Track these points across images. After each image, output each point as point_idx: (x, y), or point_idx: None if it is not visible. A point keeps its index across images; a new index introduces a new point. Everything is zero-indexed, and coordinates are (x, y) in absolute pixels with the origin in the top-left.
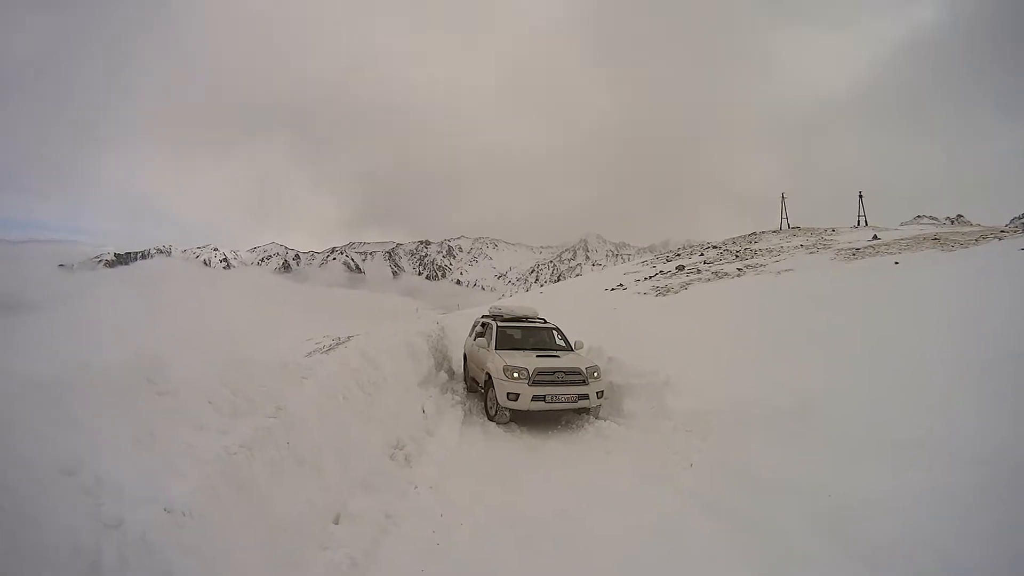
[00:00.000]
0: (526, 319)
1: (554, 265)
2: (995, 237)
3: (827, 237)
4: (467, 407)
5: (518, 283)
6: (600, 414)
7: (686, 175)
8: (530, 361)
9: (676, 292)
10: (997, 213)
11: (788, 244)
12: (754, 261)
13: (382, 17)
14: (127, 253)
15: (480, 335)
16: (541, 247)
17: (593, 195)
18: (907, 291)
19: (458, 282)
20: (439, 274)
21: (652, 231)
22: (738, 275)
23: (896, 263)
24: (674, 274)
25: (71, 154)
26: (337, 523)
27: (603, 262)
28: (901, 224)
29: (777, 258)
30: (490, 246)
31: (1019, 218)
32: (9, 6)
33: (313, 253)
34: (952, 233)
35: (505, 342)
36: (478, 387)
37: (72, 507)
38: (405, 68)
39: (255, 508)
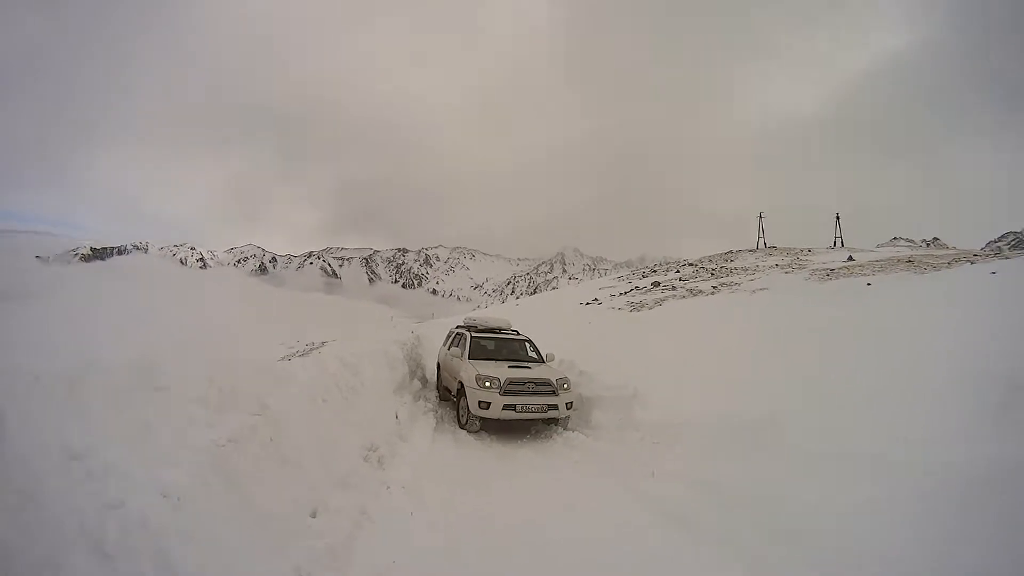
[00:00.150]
0: (499, 330)
1: (531, 277)
2: (967, 261)
3: (803, 257)
4: (439, 415)
5: (494, 294)
6: (569, 425)
7: (667, 193)
8: (502, 371)
9: (650, 308)
10: (973, 236)
11: (764, 263)
12: (729, 279)
13: (378, 20)
14: (103, 248)
15: (454, 345)
16: (519, 259)
17: (571, 209)
18: (877, 311)
19: (434, 291)
20: (415, 283)
21: (629, 246)
22: (713, 293)
23: (869, 284)
24: (649, 290)
25: (67, 151)
26: (315, 516)
27: (580, 276)
28: (877, 246)
29: (752, 277)
30: (467, 256)
31: (995, 241)
32: (9, 6)
33: (290, 256)
34: (926, 256)
35: (478, 352)
36: (451, 396)
37: (79, 489)
38: (397, 77)
39: (241, 498)
